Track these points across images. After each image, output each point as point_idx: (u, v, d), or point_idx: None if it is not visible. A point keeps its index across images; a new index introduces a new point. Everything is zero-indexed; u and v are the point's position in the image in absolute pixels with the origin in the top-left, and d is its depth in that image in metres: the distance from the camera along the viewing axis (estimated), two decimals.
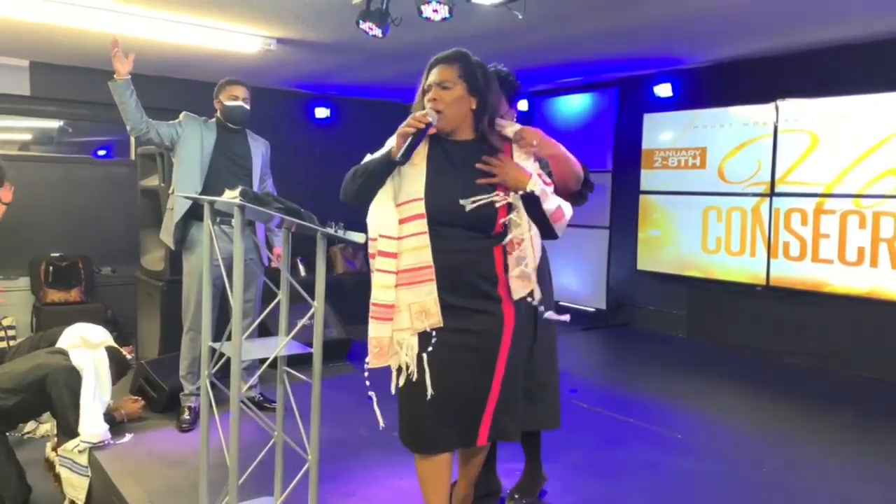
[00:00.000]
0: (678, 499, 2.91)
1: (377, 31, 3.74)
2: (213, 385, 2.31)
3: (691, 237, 5.80)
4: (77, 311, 5.31)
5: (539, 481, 2.79)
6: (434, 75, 2.09)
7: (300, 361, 2.46)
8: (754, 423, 3.88)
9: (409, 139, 2.00)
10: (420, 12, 3.53)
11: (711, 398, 4.36)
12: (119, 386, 3.85)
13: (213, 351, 2.30)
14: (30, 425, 3.88)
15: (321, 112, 7.17)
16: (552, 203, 2.06)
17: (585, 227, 6.42)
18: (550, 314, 2.29)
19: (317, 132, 7.08)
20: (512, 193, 2.06)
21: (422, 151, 2.09)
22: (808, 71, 5.09)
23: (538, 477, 2.79)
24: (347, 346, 5.11)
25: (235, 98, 3.69)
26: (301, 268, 6.34)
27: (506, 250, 2.09)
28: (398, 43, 4.22)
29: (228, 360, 2.16)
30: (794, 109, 5.10)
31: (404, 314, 2.05)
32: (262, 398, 3.89)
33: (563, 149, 2.26)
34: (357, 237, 2.10)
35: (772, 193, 5.26)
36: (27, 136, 6.47)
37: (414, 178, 2.06)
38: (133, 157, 5.98)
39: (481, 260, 2.07)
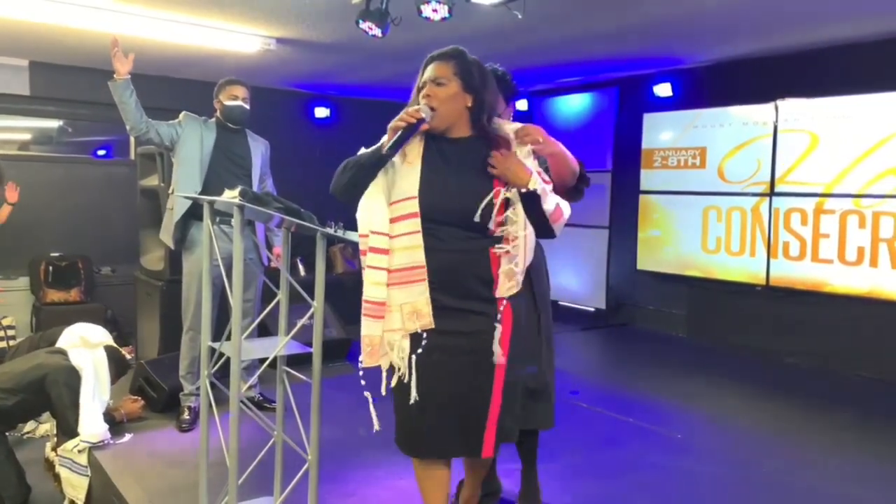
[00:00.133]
0: (678, 499, 2.91)
1: (377, 31, 3.74)
2: (212, 385, 2.30)
3: (691, 237, 5.80)
4: (77, 311, 5.31)
5: (538, 486, 2.76)
6: (429, 72, 2.07)
7: (300, 361, 2.46)
8: (754, 423, 3.88)
9: (399, 133, 1.97)
10: (420, 12, 3.53)
11: (711, 398, 4.36)
12: (119, 386, 3.85)
13: (213, 351, 2.30)
14: (29, 425, 3.88)
15: (321, 112, 7.17)
16: (551, 202, 2.03)
17: (585, 227, 6.42)
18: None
19: (316, 132, 7.08)
20: (512, 189, 2.02)
21: (417, 149, 2.06)
22: (807, 71, 5.08)
23: (537, 482, 2.75)
24: (347, 346, 5.11)
25: (235, 98, 3.69)
26: (301, 268, 6.33)
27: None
28: (398, 43, 4.22)
29: (228, 359, 2.16)
30: (793, 109, 5.10)
31: (395, 315, 2.03)
32: (261, 398, 3.89)
33: (562, 147, 2.25)
34: (357, 237, 2.09)
35: (771, 193, 5.26)
36: (27, 136, 6.47)
37: (408, 176, 2.03)
38: (133, 156, 5.98)
39: (477, 260, 2.03)
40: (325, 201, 2.87)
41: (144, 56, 4.16)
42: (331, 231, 2.24)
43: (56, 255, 5.78)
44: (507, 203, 2.03)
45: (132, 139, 6.00)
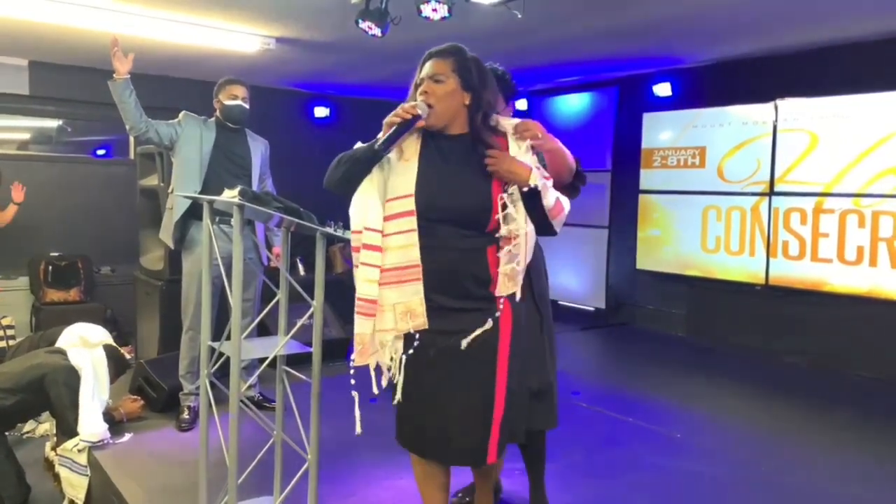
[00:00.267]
0: (678, 498, 2.91)
1: (376, 31, 3.74)
2: (212, 384, 2.30)
3: (691, 236, 5.80)
4: (76, 311, 5.31)
5: (545, 495, 2.71)
6: (427, 68, 2.03)
7: (299, 361, 2.46)
8: (754, 423, 3.88)
9: (394, 129, 1.93)
10: (419, 11, 3.53)
11: (711, 398, 4.36)
12: (118, 385, 3.85)
13: (213, 350, 2.30)
14: (29, 425, 3.88)
15: (320, 111, 7.17)
16: (551, 198, 2.00)
17: (585, 227, 6.42)
18: None
19: (316, 131, 7.08)
20: (513, 187, 1.98)
21: (414, 146, 2.03)
22: (807, 70, 5.08)
23: (544, 490, 2.70)
24: (347, 346, 5.05)
25: (235, 97, 3.69)
26: (300, 267, 6.33)
27: (499, 246, 2.01)
28: (397, 42, 4.21)
29: (228, 359, 2.16)
30: (793, 109, 5.10)
31: (388, 314, 1.99)
32: (261, 398, 3.89)
33: (560, 144, 2.25)
34: None
35: (771, 193, 5.26)
36: (26, 136, 6.47)
37: (405, 174, 1.99)
38: (132, 156, 5.97)
39: (474, 259, 1.99)
40: (324, 201, 2.87)
41: (144, 56, 4.16)
42: (330, 231, 2.23)
43: (55, 254, 5.78)
44: (504, 203, 1.99)
45: (132, 139, 5.99)
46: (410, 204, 1.96)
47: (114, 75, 3.41)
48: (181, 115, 3.73)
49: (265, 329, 4.32)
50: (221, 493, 2.26)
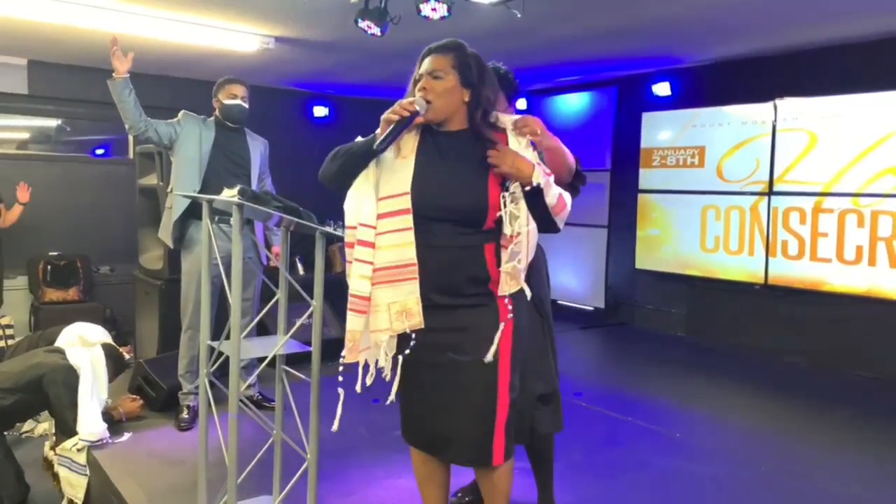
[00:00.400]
0: (678, 498, 2.91)
1: (376, 30, 3.74)
2: (211, 384, 2.30)
3: (690, 236, 5.80)
4: (75, 311, 5.31)
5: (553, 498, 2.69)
6: (426, 64, 2.00)
7: (299, 360, 2.46)
8: (753, 423, 3.88)
9: (392, 126, 1.90)
10: (419, 11, 3.53)
11: (711, 397, 4.36)
12: (117, 384, 3.85)
13: (212, 350, 2.30)
14: (28, 424, 3.87)
15: (320, 111, 7.17)
16: (553, 194, 1.96)
17: (584, 226, 6.43)
18: None
19: (315, 131, 7.08)
20: (515, 185, 1.93)
21: (412, 143, 2.00)
22: (806, 70, 5.09)
23: (552, 495, 2.69)
24: None
25: (234, 97, 3.68)
26: (300, 267, 6.32)
27: (500, 244, 1.98)
28: (397, 42, 4.21)
29: (227, 358, 2.16)
30: (792, 108, 5.10)
31: (383, 314, 1.95)
32: (260, 397, 3.89)
33: (559, 142, 2.24)
34: None
35: (770, 192, 5.26)
36: (25, 135, 6.46)
37: (401, 171, 1.96)
38: (131, 155, 5.97)
39: (472, 257, 1.95)
40: (323, 200, 2.87)
41: (143, 55, 4.16)
42: (330, 230, 2.23)
43: (55, 254, 5.77)
44: (503, 200, 1.95)
45: (131, 138, 5.99)
46: (406, 202, 1.93)
47: (113, 74, 3.41)
48: (180, 114, 3.73)
49: (264, 328, 4.32)
50: (221, 493, 2.25)
